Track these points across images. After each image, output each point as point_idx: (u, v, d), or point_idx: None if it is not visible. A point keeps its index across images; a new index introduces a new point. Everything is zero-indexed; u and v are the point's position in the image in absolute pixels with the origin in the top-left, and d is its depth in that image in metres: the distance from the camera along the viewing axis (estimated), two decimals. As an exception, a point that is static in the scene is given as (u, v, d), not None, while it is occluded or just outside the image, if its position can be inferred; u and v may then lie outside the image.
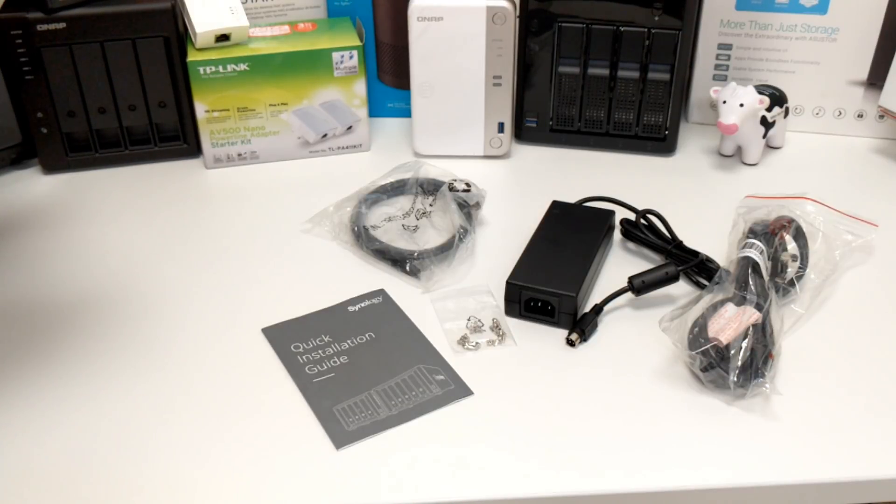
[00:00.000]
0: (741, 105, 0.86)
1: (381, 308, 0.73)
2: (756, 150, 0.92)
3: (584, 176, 0.91)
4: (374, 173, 0.90)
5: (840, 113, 0.97)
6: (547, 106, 0.94)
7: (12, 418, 0.63)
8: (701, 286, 0.74)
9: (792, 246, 0.73)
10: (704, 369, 0.64)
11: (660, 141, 0.93)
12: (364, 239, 0.79)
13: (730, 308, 0.65)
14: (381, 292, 0.75)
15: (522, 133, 0.96)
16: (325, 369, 0.67)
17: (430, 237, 0.81)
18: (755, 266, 0.69)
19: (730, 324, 0.63)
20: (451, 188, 0.82)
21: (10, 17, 0.84)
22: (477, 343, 0.69)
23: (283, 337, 0.70)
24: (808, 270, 0.73)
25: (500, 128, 0.92)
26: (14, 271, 0.78)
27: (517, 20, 0.89)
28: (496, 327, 0.71)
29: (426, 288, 0.75)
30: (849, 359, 0.68)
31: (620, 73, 0.90)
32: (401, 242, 0.80)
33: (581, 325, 0.69)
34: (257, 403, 0.64)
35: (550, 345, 0.69)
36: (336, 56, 0.90)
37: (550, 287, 0.70)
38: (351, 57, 0.90)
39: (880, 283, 0.75)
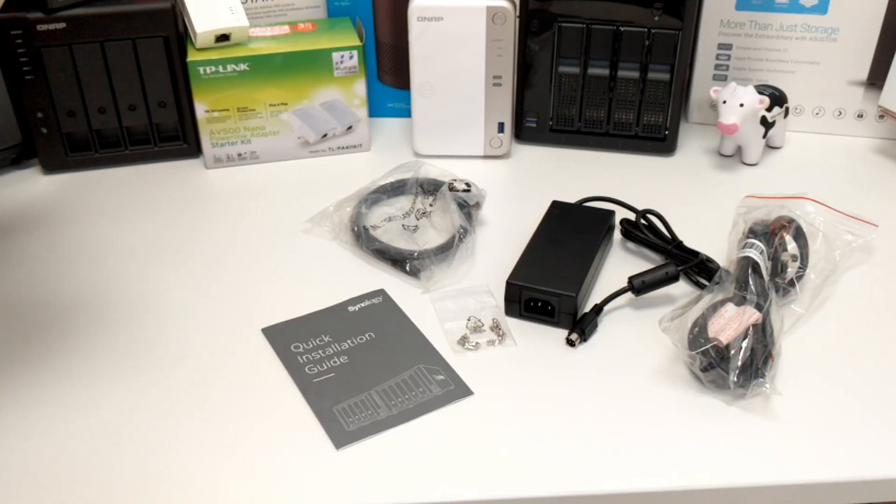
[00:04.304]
0: (741, 105, 0.86)
1: (381, 308, 0.73)
2: (756, 150, 0.92)
3: (584, 176, 0.91)
4: (374, 173, 0.90)
5: (840, 113, 0.97)
6: (547, 106, 0.94)
7: (11, 419, 0.63)
8: (701, 286, 0.74)
9: (792, 246, 0.73)
10: (704, 369, 0.64)
11: (660, 141, 0.93)
12: (364, 239, 0.79)
13: (730, 308, 0.65)
14: (381, 292, 0.75)
15: (522, 133, 0.96)
16: (325, 369, 0.67)
17: (430, 237, 0.81)
18: (755, 266, 0.69)
19: (730, 324, 0.63)
20: (451, 188, 0.82)
21: (10, 17, 0.84)
22: (477, 343, 0.69)
23: (283, 337, 0.70)
24: (808, 270, 0.73)
25: (500, 128, 0.92)
26: (14, 271, 0.78)
27: (517, 20, 0.89)
28: (496, 327, 0.71)
29: (426, 288, 0.75)
30: (849, 359, 0.68)
31: (620, 73, 0.90)
32: (401, 242, 0.80)
33: (581, 325, 0.69)
34: (257, 403, 0.64)
35: (550, 345, 0.69)
36: (336, 56, 0.90)
37: (550, 287, 0.70)
38: (351, 57, 0.90)
39: (880, 283, 0.75)
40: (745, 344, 0.63)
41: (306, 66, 0.89)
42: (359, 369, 0.67)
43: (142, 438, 0.61)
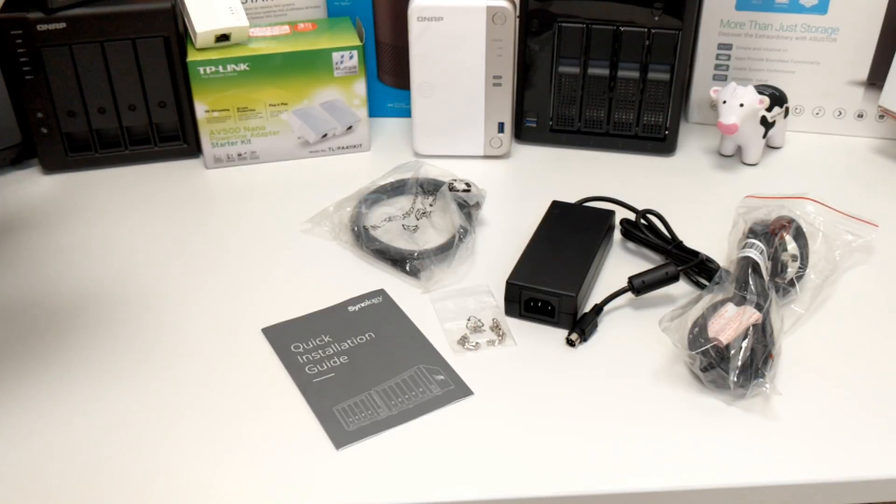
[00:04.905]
0: (741, 105, 0.86)
1: (381, 308, 0.73)
2: (756, 150, 0.92)
3: (584, 176, 0.91)
4: (374, 173, 0.90)
5: (840, 113, 0.97)
6: (547, 106, 0.94)
7: (10, 418, 0.63)
8: (701, 286, 0.74)
9: (792, 246, 0.73)
10: (704, 369, 0.64)
11: (660, 141, 0.93)
12: (364, 239, 0.79)
13: (730, 308, 0.65)
14: (381, 292, 0.75)
15: (522, 133, 0.96)
16: (325, 369, 0.67)
17: (430, 237, 0.81)
18: (755, 266, 0.69)
19: (730, 324, 0.63)
20: (451, 188, 0.82)
21: (10, 17, 0.84)
22: (477, 343, 0.69)
23: (283, 337, 0.70)
24: (808, 270, 0.73)
25: (500, 128, 0.92)
26: (14, 271, 0.78)
27: (517, 20, 0.89)
28: (496, 327, 0.71)
29: (426, 288, 0.75)
30: (848, 359, 0.68)
31: (620, 73, 0.90)
32: (401, 242, 0.80)
33: (581, 325, 0.69)
34: (257, 403, 0.64)
35: (550, 345, 0.69)
36: (336, 56, 0.90)
37: (550, 287, 0.70)
38: (351, 57, 0.90)
39: (880, 283, 0.75)
40: (745, 344, 0.63)
41: (306, 66, 0.89)
42: (359, 369, 0.67)
43: (141, 438, 0.61)
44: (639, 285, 0.71)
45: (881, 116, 0.96)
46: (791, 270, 0.72)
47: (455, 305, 0.73)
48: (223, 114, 0.90)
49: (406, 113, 1.02)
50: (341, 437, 0.61)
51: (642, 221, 0.80)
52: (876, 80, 0.94)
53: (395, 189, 0.87)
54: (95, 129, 0.91)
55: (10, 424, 0.63)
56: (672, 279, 0.72)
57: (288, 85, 0.90)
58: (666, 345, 0.68)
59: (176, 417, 0.63)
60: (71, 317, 0.73)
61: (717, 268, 0.73)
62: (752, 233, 0.73)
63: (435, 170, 0.88)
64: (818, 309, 0.72)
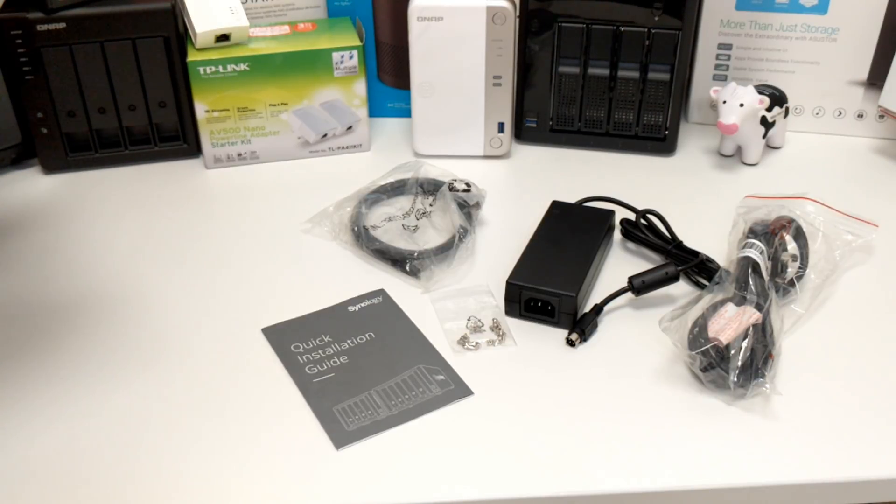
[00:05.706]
0: (741, 105, 0.86)
1: (381, 308, 0.73)
2: (756, 150, 0.92)
3: (584, 176, 0.91)
4: (374, 173, 0.90)
5: (840, 113, 0.97)
6: (547, 106, 0.94)
7: (11, 419, 0.63)
8: (701, 286, 0.74)
9: (792, 246, 0.73)
10: (704, 369, 0.64)
11: (660, 141, 0.93)
12: (364, 239, 0.79)
13: (730, 308, 0.65)
14: (381, 292, 0.75)
15: (522, 133, 0.96)
16: (325, 369, 0.67)
17: (430, 237, 0.81)
18: (755, 266, 0.69)
19: (730, 324, 0.63)
20: (451, 188, 0.82)
21: (10, 17, 0.84)
22: (477, 343, 0.69)
23: (283, 337, 0.70)
24: (808, 270, 0.73)
25: (500, 128, 0.92)
26: (14, 271, 0.78)
27: (517, 20, 0.89)
28: (496, 327, 0.71)
29: (426, 288, 0.75)
30: (848, 359, 0.68)
31: (620, 73, 0.90)
32: (401, 242, 0.80)
33: (581, 325, 0.69)
34: (257, 403, 0.64)
35: (550, 345, 0.69)
36: (336, 56, 0.90)
37: (550, 287, 0.70)
38: (351, 57, 0.90)
39: (880, 283, 0.75)
40: (745, 344, 0.63)
41: (306, 66, 0.89)
42: (359, 369, 0.67)
43: (141, 438, 0.61)
44: (639, 285, 0.71)
45: (881, 116, 0.96)
46: (791, 270, 0.72)
47: (455, 305, 0.73)
48: (223, 114, 0.90)
49: (406, 113, 1.02)
50: (341, 437, 0.61)
51: (642, 221, 0.80)
52: (876, 80, 0.94)
53: (395, 189, 0.87)
54: (95, 129, 0.91)
55: (9, 426, 0.63)
56: (672, 279, 0.72)
57: (288, 85, 0.90)
58: (666, 345, 0.68)
59: (175, 417, 0.63)
60: (71, 317, 0.73)
61: (717, 268, 0.73)
62: (752, 233, 0.73)
63: (435, 170, 0.88)
64: (818, 309, 0.72)
